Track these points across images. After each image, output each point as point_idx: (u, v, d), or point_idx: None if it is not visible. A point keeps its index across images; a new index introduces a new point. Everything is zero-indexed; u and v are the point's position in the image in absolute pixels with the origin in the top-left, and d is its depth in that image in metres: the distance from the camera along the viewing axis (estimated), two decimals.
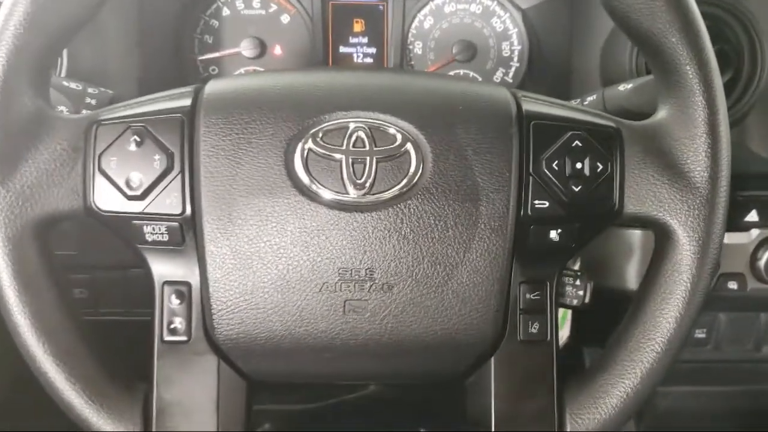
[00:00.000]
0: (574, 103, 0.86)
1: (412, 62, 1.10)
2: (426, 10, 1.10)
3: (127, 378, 0.68)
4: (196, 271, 0.65)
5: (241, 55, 1.09)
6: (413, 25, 1.10)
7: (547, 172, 0.65)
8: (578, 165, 0.65)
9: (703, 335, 1.10)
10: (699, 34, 0.64)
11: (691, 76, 0.64)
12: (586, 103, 0.85)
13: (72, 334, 0.65)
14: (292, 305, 0.64)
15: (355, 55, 1.11)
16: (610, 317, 0.92)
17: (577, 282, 0.75)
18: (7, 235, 0.62)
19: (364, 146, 0.63)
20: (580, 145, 0.65)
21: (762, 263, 0.99)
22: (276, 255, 0.63)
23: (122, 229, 0.65)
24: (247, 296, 0.64)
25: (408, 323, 0.64)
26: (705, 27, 0.64)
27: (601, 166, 0.65)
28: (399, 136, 0.64)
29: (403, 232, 0.63)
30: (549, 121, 0.66)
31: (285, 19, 1.09)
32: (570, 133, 0.65)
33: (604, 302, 0.98)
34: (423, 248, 0.64)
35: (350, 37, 1.11)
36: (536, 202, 0.65)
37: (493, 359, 0.68)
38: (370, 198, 0.63)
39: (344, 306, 0.64)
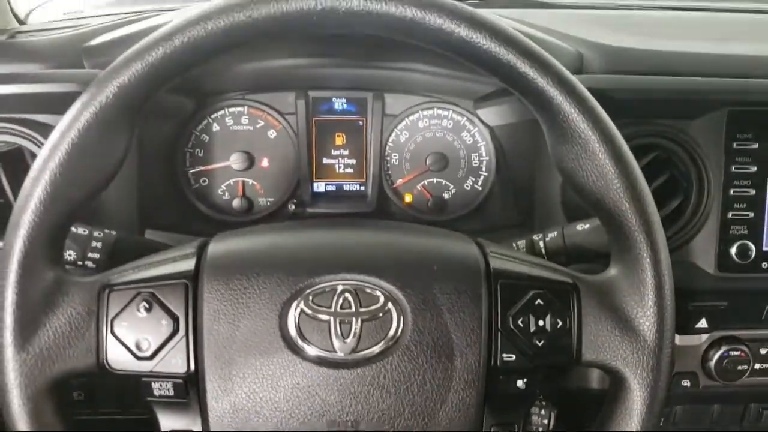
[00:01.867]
0: (536, 238, 0.95)
1: (390, 172, 1.19)
2: (402, 125, 1.18)
3: None
4: (199, 422, 0.72)
5: (231, 167, 1.16)
6: (390, 139, 1.18)
7: (513, 328, 0.73)
8: (540, 322, 0.73)
9: (660, 424, 1.19)
10: (646, 203, 0.72)
11: (639, 241, 0.72)
12: (547, 239, 0.93)
13: None
14: None
15: (336, 166, 1.19)
16: (574, 412, 1.00)
17: (542, 411, 0.83)
18: (27, 395, 0.68)
19: (350, 307, 0.71)
20: (541, 303, 0.73)
21: (712, 363, 1.09)
22: (271, 410, 0.70)
23: (132, 385, 0.72)
24: None
25: None
26: (651, 195, 0.73)
27: (560, 323, 0.73)
28: (382, 297, 0.72)
29: (385, 387, 0.71)
30: (513, 279, 0.75)
31: (272, 134, 1.17)
32: (532, 292, 0.73)
33: (570, 399, 1.06)
34: (403, 401, 0.71)
35: (332, 150, 1.19)
36: (504, 355, 0.73)
37: None
38: (356, 356, 0.71)
39: None
